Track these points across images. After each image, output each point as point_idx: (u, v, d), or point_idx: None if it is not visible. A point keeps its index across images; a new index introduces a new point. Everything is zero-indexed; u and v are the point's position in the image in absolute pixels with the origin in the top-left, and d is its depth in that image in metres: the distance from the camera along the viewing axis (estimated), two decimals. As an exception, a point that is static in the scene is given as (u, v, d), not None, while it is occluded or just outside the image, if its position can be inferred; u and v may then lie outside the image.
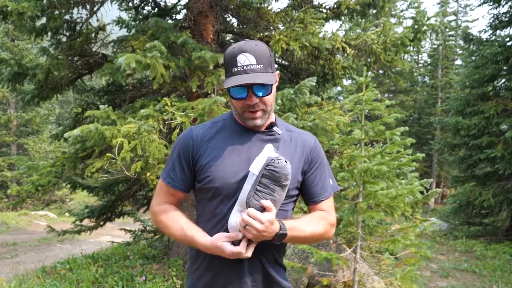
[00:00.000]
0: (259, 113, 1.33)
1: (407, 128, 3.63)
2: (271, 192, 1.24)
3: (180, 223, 1.36)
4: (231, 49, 1.31)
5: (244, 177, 1.31)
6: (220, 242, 1.25)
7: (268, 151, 1.29)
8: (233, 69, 1.28)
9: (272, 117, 1.42)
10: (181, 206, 1.48)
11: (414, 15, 4.96)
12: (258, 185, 1.24)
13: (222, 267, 1.34)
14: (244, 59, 1.27)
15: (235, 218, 1.27)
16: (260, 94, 1.30)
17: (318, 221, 1.40)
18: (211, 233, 1.32)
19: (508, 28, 9.77)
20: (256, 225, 1.19)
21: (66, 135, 3.41)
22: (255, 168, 1.26)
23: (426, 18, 4.84)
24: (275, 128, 1.40)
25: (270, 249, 1.38)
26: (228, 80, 1.30)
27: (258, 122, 1.34)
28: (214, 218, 1.35)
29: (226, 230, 1.32)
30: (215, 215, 1.35)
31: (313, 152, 1.45)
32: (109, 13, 5.47)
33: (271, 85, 1.32)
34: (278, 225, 1.25)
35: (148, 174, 3.48)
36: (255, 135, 1.38)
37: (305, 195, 1.47)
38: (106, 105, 3.76)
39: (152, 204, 1.47)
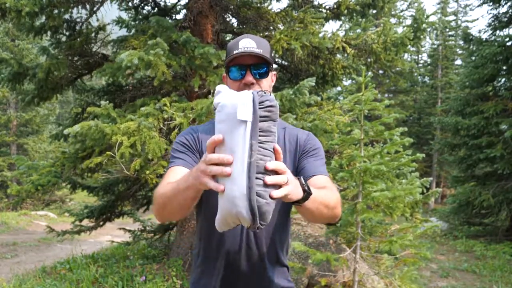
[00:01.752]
0: None
1: (406, 129, 3.63)
2: (273, 136, 0.96)
3: (173, 184, 1.15)
4: (235, 39, 1.37)
5: None
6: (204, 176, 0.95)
7: (230, 91, 0.98)
8: (234, 51, 1.31)
9: None
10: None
11: (414, 14, 4.98)
12: (260, 133, 0.93)
13: (222, 265, 1.34)
14: (246, 43, 1.32)
15: (236, 187, 0.91)
16: (258, 75, 1.33)
17: (330, 190, 1.25)
18: (211, 228, 1.30)
19: (508, 28, 9.77)
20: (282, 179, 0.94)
21: (66, 131, 3.41)
22: (245, 113, 0.93)
23: (425, 16, 4.86)
24: None
25: (274, 247, 1.37)
26: (228, 60, 1.34)
27: None
28: (213, 215, 1.34)
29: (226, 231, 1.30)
30: (213, 213, 1.34)
31: (306, 142, 1.40)
32: (109, 13, 5.47)
33: (269, 69, 1.35)
34: (297, 181, 1.05)
35: (147, 172, 3.47)
36: None
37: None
38: (107, 102, 3.74)
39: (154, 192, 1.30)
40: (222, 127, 0.95)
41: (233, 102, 0.95)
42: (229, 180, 0.92)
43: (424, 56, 22.77)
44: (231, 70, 1.34)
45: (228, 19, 5.32)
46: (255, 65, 1.32)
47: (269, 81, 1.38)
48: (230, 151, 0.93)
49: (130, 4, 5.55)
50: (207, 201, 1.39)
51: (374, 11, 6.43)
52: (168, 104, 3.66)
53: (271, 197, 0.91)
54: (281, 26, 4.94)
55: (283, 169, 0.94)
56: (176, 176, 1.22)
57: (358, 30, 6.24)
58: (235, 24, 5.41)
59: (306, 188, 1.08)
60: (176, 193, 1.09)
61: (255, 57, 1.31)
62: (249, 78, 1.32)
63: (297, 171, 1.37)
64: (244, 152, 0.92)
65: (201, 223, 1.40)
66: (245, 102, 0.94)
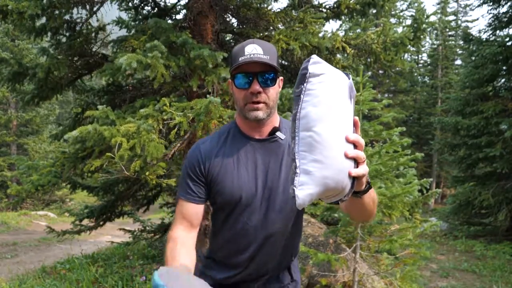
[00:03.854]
0: (261, 105, 1.27)
1: (404, 128, 3.63)
2: None
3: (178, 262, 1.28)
4: (240, 44, 1.31)
5: (252, 190, 1.29)
6: None
7: (329, 66, 1.01)
8: (240, 58, 1.24)
9: (276, 121, 1.38)
10: (200, 227, 1.40)
11: (414, 14, 4.99)
12: None
13: (236, 269, 1.38)
14: (252, 49, 1.25)
15: (341, 157, 0.95)
16: (264, 83, 1.26)
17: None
18: (224, 246, 1.38)
19: (508, 28, 9.78)
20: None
21: (65, 137, 3.40)
22: (354, 93, 1.04)
23: (425, 16, 4.86)
24: (278, 134, 1.35)
25: (288, 252, 1.40)
26: (233, 68, 1.28)
27: (260, 114, 1.27)
28: (226, 232, 1.37)
29: (236, 241, 1.33)
30: (226, 229, 1.36)
31: None
32: (109, 13, 5.46)
33: (276, 77, 1.29)
34: None
35: (147, 173, 3.48)
36: (258, 144, 1.34)
37: None
38: (105, 105, 3.76)
39: (170, 228, 1.40)
40: (333, 99, 0.96)
41: (341, 81, 0.99)
42: (340, 151, 0.94)
43: (424, 56, 22.78)
44: (237, 77, 1.28)
45: (228, 19, 5.32)
46: (262, 73, 1.25)
47: (276, 89, 1.31)
48: (343, 122, 0.97)
49: (130, 4, 5.54)
50: (216, 219, 1.40)
51: (375, 11, 6.44)
52: (168, 104, 3.66)
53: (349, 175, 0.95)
54: (281, 26, 4.94)
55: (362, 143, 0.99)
56: (187, 216, 1.34)
57: (358, 30, 6.25)
58: (235, 24, 5.41)
59: (368, 179, 1.06)
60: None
61: (262, 65, 1.24)
62: (256, 86, 1.25)
63: None
64: (351, 129, 0.99)
65: (215, 239, 1.42)
66: (351, 84, 1.01)
